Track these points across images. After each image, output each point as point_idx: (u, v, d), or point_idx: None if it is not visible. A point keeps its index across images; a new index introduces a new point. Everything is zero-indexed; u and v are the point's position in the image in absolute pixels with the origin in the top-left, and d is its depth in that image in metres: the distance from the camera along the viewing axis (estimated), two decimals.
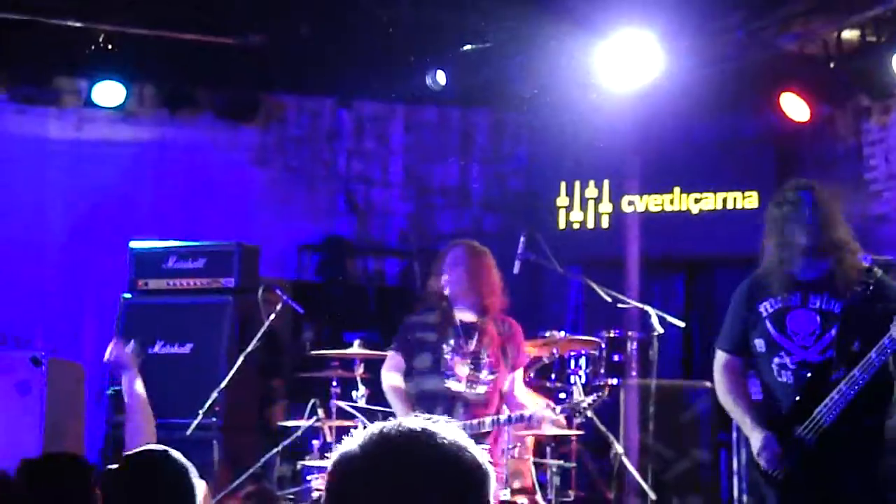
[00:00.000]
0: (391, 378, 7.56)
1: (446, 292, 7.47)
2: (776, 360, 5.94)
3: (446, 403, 7.29)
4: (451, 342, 7.39)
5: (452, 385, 7.33)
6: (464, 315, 7.48)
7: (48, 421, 9.70)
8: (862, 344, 5.67)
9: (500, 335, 7.46)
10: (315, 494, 7.96)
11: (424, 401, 7.34)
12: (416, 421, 2.40)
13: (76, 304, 11.14)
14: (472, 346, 7.37)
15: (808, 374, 5.82)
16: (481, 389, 7.37)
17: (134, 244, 10.18)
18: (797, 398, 5.82)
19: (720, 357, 6.28)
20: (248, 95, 11.63)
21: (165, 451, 4.22)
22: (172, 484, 4.13)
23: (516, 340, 7.56)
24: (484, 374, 7.38)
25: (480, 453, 2.37)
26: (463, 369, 7.33)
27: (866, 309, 5.76)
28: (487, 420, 7.23)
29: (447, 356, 7.36)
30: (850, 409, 5.66)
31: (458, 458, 2.35)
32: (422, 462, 2.35)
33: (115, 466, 4.24)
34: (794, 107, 10.05)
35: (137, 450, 4.31)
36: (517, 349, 7.55)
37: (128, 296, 10.01)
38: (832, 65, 9.77)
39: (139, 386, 5.96)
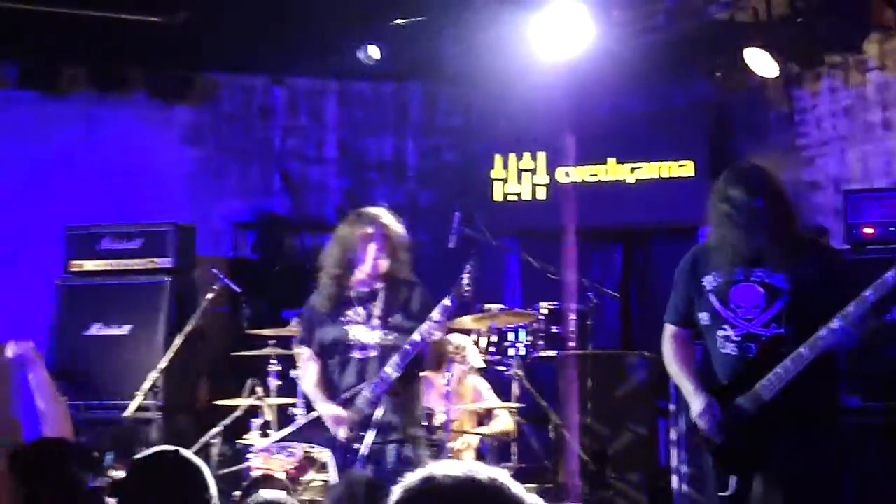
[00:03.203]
0: (307, 373, 7.34)
1: (363, 263, 7.19)
2: (720, 332, 5.94)
3: (361, 370, 7.07)
4: (352, 312, 7.17)
5: (360, 354, 7.09)
6: (367, 285, 7.23)
7: None
8: (810, 320, 5.68)
9: (404, 296, 7.21)
10: (254, 473, 7.95)
11: (341, 374, 7.13)
12: (477, 467, 2.39)
13: (11, 288, 11.04)
14: (376, 312, 7.15)
15: (752, 347, 5.83)
16: (389, 347, 7.07)
17: (68, 225, 10.12)
18: (740, 370, 5.85)
19: (667, 329, 6.28)
20: (179, 74, 11.58)
21: (177, 451, 4.23)
22: (186, 483, 4.16)
23: (421, 300, 7.25)
24: (392, 336, 7.08)
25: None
26: (369, 336, 7.09)
27: (814, 284, 5.75)
28: (390, 366, 6.93)
29: (351, 328, 7.13)
30: (793, 385, 5.69)
31: None
32: None
33: (122, 474, 4.25)
34: (760, 62, 10.01)
35: (148, 452, 4.30)
36: (421, 308, 7.18)
37: (63, 278, 9.94)
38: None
39: (47, 379, 5.87)
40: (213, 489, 4.19)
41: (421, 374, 7.45)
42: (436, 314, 6.94)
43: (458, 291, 6.97)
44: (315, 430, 7.26)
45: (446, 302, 6.94)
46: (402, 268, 7.26)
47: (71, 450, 4.75)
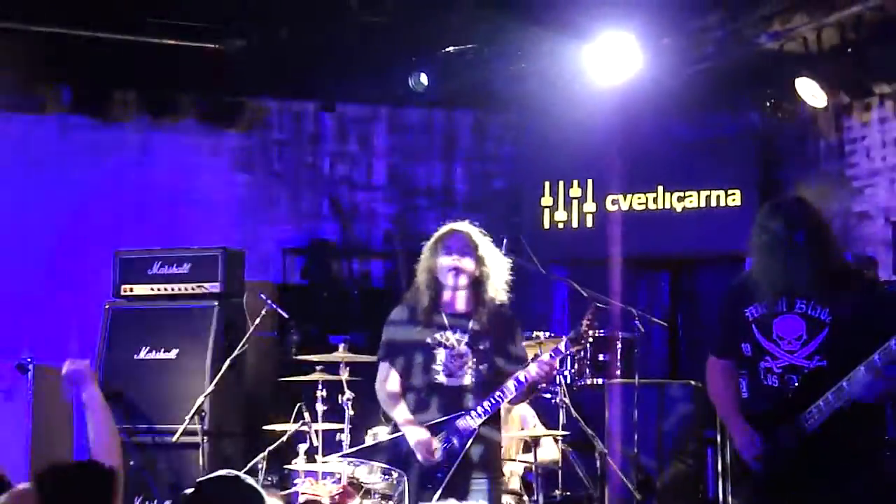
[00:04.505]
0: (389, 390, 6.97)
1: (447, 280, 6.92)
2: (762, 364, 5.91)
3: (448, 398, 6.78)
4: (441, 335, 6.86)
5: (447, 380, 6.79)
6: (456, 303, 6.97)
7: (35, 427, 9.72)
8: (852, 353, 5.64)
9: (495, 324, 6.90)
10: (302, 498, 7.97)
11: (425, 399, 6.83)
12: None
13: (62, 311, 11.13)
14: (467, 336, 6.84)
15: (795, 379, 5.80)
16: (479, 378, 6.79)
17: (119, 250, 10.19)
18: (782, 403, 5.82)
19: (711, 360, 6.26)
20: (230, 100, 11.66)
21: (237, 476, 4.26)
22: None
23: (512, 330, 6.98)
24: (483, 366, 6.80)
25: None
26: (457, 362, 6.81)
27: (857, 317, 5.71)
28: (488, 400, 6.70)
29: (438, 351, 6.83)
30: (835, 419, 5.65)
31: None
32: None
33: (189, 491, 4.27)
34: (810, 92, 10.02)
35: (211, 475, 4.33)
36: (513, 339, 6.94)
37: (113, 301, 10.00)
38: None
39: (99, 399, 5.87)
40: None
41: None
42: (546, 356, 6.73)
43: (578, 335, 6.76)
44: (392, 452, 6.88)
45: (560, 346, 6.76)
46: (494, 283, 6.95)
47: (96, 477, 4.73)
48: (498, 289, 6.99)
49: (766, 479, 5.83)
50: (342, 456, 7.63)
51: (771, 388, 5.87)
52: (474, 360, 6.84)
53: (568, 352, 6.86)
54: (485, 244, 7.05)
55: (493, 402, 6.73)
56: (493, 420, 6.87)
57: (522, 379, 6.69)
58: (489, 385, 6.79)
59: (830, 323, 5.71)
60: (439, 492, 6.61)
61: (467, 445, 6.70)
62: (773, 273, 5.82)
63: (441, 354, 6.86)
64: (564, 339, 6.77)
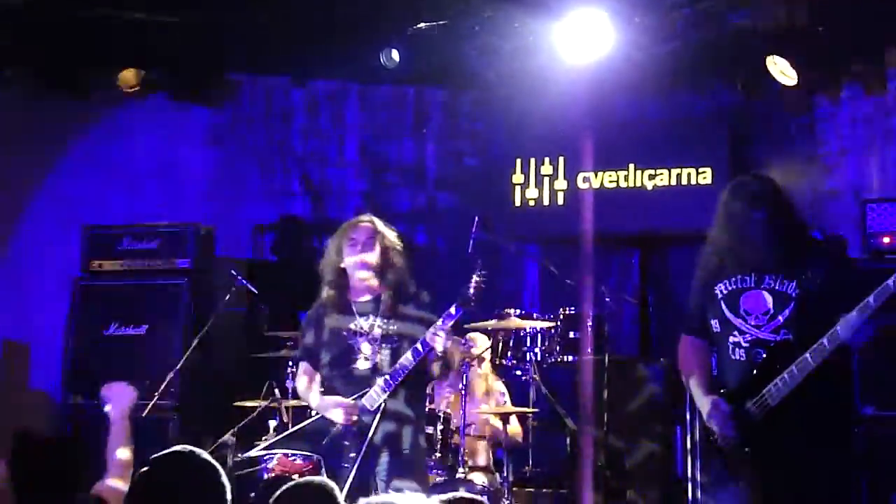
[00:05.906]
0: (303, 380, 7.38)
1: (356, 272, 7.21)
2: (731, 338, 5.96)
3: (369, 382, 7.04)
4: (354, 324, 7.16)
5: (366, 366, 7.08)
6: (365, 293, 7.25)
7: None
8: (816, 327, 5.68)
9: (404, 303, 7.20)
10: (271, 475, 7.95)
11: (348, 387, 7.10)
12: None
13: (30, 286, 11.08)
14: (379, 319, 7.13)
15: (762, 353, 5.84)
16: (396, 358, 7.06)
17: (87, 225, 10.14)
18: (749, 376, 5.86)
19: (683, 338, 6.30)
20: (200, 75, 11.60)
21: (192, 451, 4.24)
22: (202, 484, 4.17)
23: (420, 304, 7.25)
24: (398, 346, 7.09)
25: None
26: (374, 346, 7.09)
27: (823, 291, 5.76)
28: (391, 372, 6.99)
29: (354, 339, 7.13)
30: (801, 391, 5.69)
31: None
32: None
33: (143, 469, 4.26)
34: (781, 70, 10.03)
35: (166, 451, 4.31)
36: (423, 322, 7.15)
37: (81, 277, 9.97)
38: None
39: (121, 423, 5.81)
40: (229, 492, 4.20)
41: (426, 384, 7.60)
42: (439, 322, 6.94)
43: (464, 299, 6.96)
44: (308, 438, 7.24)
45: (451, 310, 6.95)
46: (398, 269, 7.24)
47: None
48: (398, 265, 7.25)
49: (732, 452, 5.86)
50: (259, 451, 7.77)
51: (738, 362, 5.92)
52: (389, 341, 7.11)
53: (458, 314, 7.00)
54: (388, 234, 7.32)
55: (394, 375, 6.98)
56: (406, 396, 7.11)
57: (420, 348, 6.94)
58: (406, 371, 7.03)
59: (797, 297, 5.76)
60: (354, 469, 6.85)
61: (376, 421, 6.93)
62: (739, 250, 5.87)
63: (357, 342, 7.12)
64: (452, 305, 6.95)
